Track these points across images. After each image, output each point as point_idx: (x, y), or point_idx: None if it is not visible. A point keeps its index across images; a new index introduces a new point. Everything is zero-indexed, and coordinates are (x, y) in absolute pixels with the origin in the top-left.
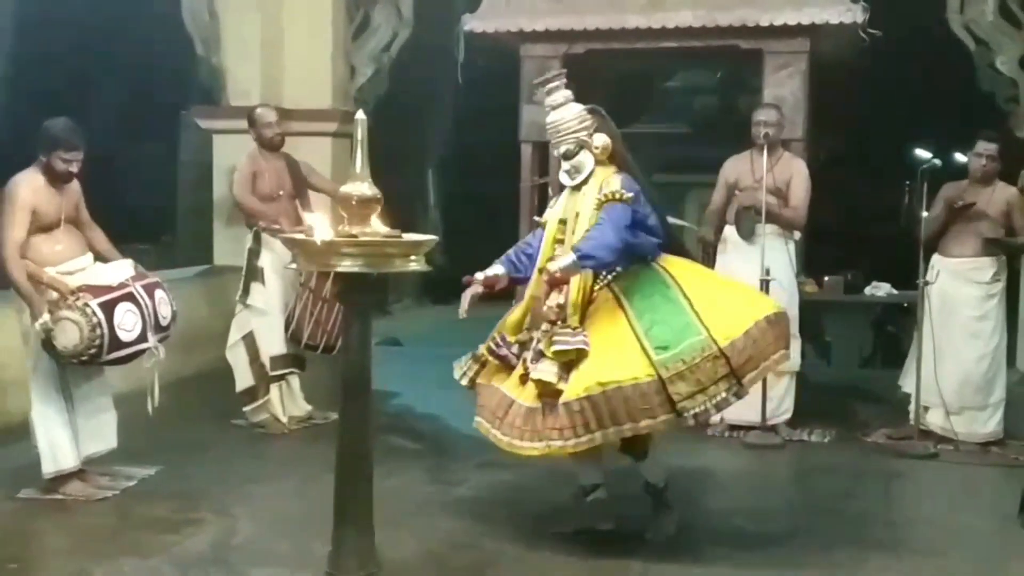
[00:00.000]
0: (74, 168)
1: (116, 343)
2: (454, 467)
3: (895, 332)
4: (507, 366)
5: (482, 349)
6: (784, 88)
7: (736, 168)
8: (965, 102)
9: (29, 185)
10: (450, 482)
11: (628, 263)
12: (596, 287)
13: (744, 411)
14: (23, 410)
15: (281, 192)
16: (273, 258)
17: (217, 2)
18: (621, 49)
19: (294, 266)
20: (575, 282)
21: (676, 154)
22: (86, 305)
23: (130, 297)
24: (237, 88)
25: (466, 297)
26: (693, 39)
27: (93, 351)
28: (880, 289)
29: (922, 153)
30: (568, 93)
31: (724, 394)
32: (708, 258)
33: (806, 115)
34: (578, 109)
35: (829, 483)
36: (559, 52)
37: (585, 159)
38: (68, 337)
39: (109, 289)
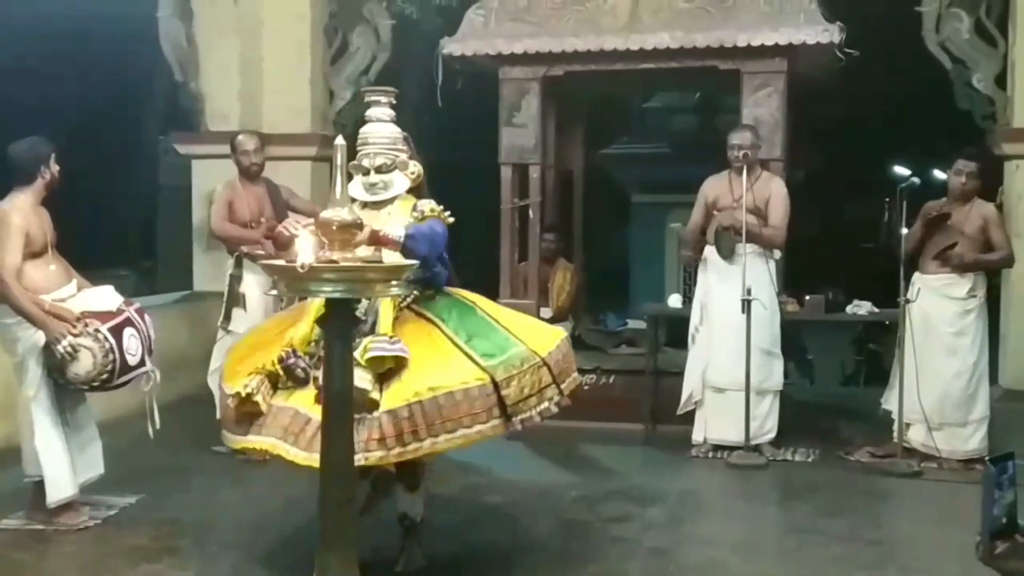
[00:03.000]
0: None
1: (125, 367)
2: (437, 490)
3: (877, 350)
4: (297, 381)
5: (267, 364)
6: (762, 108)
7: (715, 188)
8: (943, 120)
9: (19, 209)
10: (434, 506)
11: (424, 284)
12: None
13: (728, 431)
14: (5, 438)
15: (263, 218)
16: (255, 283)
17: (195, 27)
18: (599, 71)
19: (275, 293)
20: (386, 301)
21: (655, 175)
22: (97, 331)
23: (130, 322)
24: (216, 113)
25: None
26: (671, 60)
27: (105, 376)
28: (861, 307)
29: (902, 171)
30: (392, 113)
31: (547, 403)
32: (690, 278)
33: (784, 134)
34: (397, 130)
35: (813, 502)
36: (537, 74)
37: (397, 179)
38: (82, 364)
39: (112, 315)
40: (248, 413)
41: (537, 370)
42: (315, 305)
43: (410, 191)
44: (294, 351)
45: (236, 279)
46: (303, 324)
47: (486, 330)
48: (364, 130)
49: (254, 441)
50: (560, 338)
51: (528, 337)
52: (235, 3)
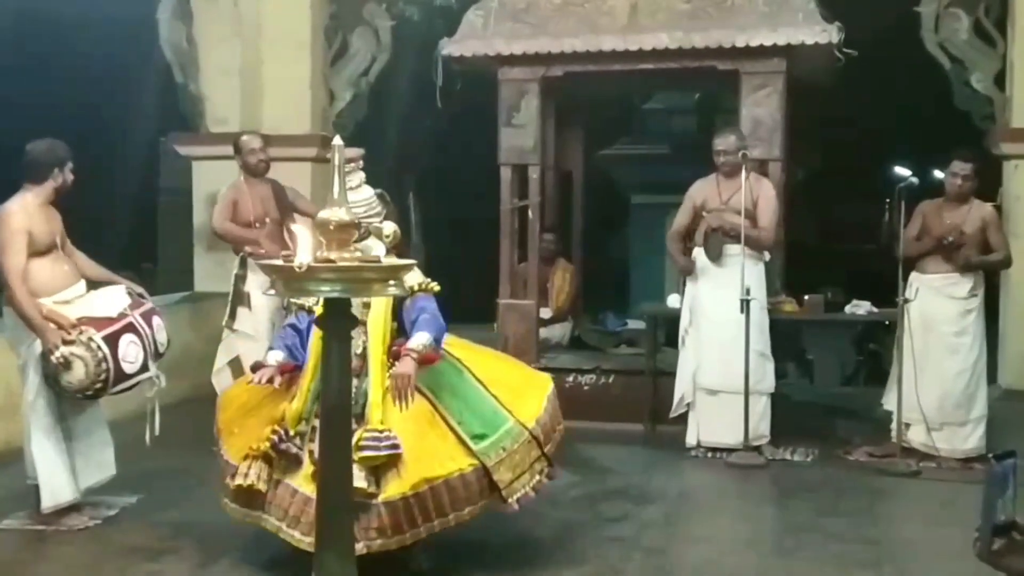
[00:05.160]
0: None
1: (121, 376)
2: None
3: (877, 350)
4: (291, 460)
5: (261, 446)
6: (761, 108)
7: (702, 191)
8: (942, 120)
9: (22, 209)
10: None
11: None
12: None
13: (721, 433)
14: (5, 440)
15: (267, 218)
16: (259, 283)
17: (195, 29)
18: (598, 72)
19: (272, 292)
20: (375, 377)
21: (655, 175)
22: (90, 340)
23: (131, 328)
24: (216, 115)
25: (265, 374)
26: (670, 61)
27: (99, 386)
28: (860, 307)
29: (901, 171)
30: (362, 176)
31: (539, 476)
32: (682, 281)
33: (783, 134)
34: (369, 193)
35: (812, 501)
36: (536, 75)
37: (374, 245)
38: (74, 373)
39: (111, 321)
40: (248, 493)
41: (526, 445)
42: (307, 373)
43: (389, 252)
44: (286, 431)
45: (240, 279)
46: (297, 400)
47: (476, 402)
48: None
49: (252, 516)
50: (546, 395)
51: (516, 402)
52: (235, 5)
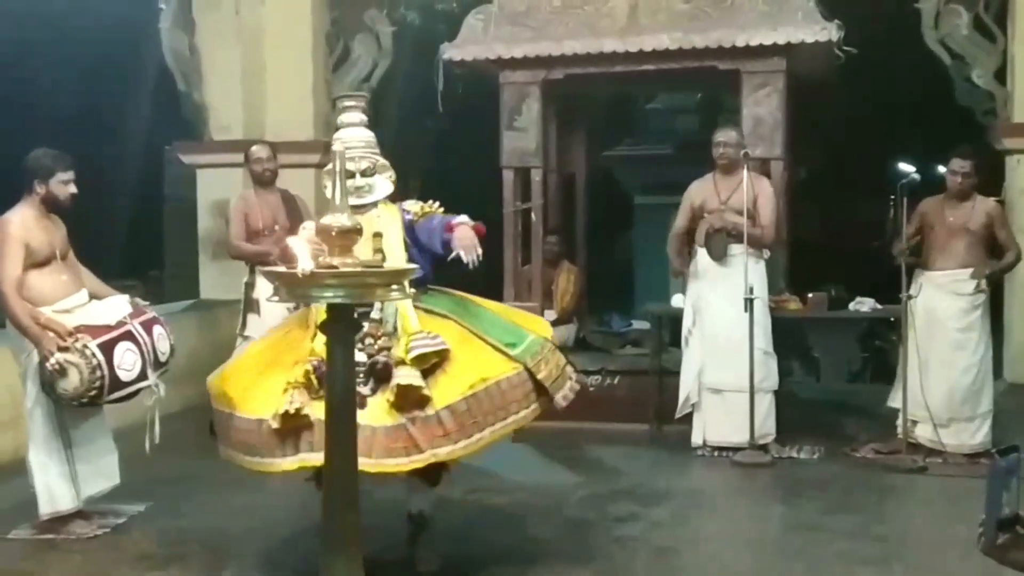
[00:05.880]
0: (74, 189)
1: (116, 383)
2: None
3: (883, 347)
4: None
5: (299, 378)
6: (762, 107)
7: (701, 191)
8: (944, 116)
9: (19, 219)
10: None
11: (425, 279)
12: None
13: (727, 433)
14: (13, 449)
15: (276, 227)
16: (268, 290)
17: (197, 37)
18: (599, 73)
19: (276, 299)
20: (403, 306)
21: (658, 176)
22: (85, 347)
23: (129, 336)
24: (219, 122)
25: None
26: (670, 61)
27: (93, 393)
28: (864, 304)
29: (905, 167)
30: (364, 117)
31: (571, 380)
32: (686, 281)
33: (785, 133)
34: (371, 134)
35: (819, 499)
36: (537, 78)
37: (380, 182)
38: (68, 380)
39: (108, 329)
40: (294, 428)
41: (553, 351)
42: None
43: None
44: (319, 360)
45: (250, 286)
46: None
47: (495, 322)
48: (341, 135)
49: (309, 459)
50: (548, 324)
51: (529, 324)
52: (236, 13)
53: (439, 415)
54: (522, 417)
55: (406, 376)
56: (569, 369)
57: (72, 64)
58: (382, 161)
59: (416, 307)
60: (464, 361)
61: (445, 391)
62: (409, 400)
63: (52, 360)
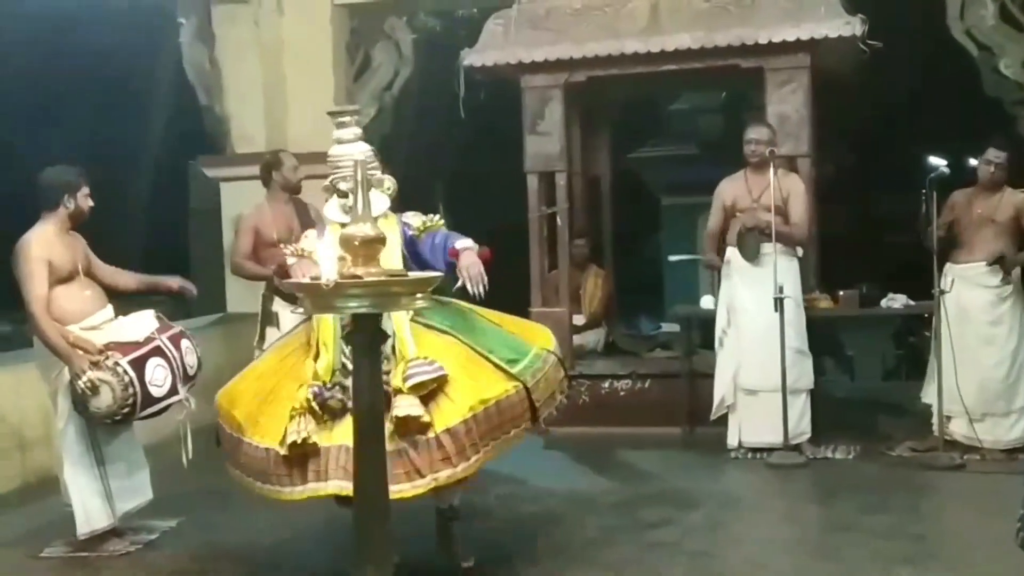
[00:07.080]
0: (92, 202)
1: (148, 400)
2: (474, 500)
3: (917, 343)
4: (334, 414)
5: (301, 404)
6: (787, 104)
7: (732, 190)
8: (972, 108)
9: (39, 238)
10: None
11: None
12: None
13: (763, 433)
14: (45, 468)
15: (291, 236)
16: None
17: (217, 50)
18: (621, 75)
19: (300, 311)
20: (399, 320)
21: (684, 176)
22: (116, 364)
23: (158, 351)
24: (242, 135)
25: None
26: (693, 61)
27: (127, 410)
28: (896, 301)
29: (935, 160)
30: (358, 131)
31: (560, 396)
32: (716, 282)
33: (811, 130)
34: (366, 148)
35: (855, 499)
36: (559, 81)
37: (375, 198)
38: (101, 398)
39: (137, 345)
40: (301, 455)
41: (555, 365)
42: (324, 328)
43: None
44: (324, 385)
45: (268, 299)
46: (323, 355)
47: (497, 336)
48: (334, 152)
49: (318, 490)
50: (550, 332)
51: (533, 335)
52: (256, 24)
53: (439, 438)
54: (512, 437)
55: (405, 407)
56: (563, 386)
57: (94, 80)
58: (378, 176)
59: (415, 321)
60: (463, 383)
61: (445, 414)
62: (410, 428)
63: (84, 378)
